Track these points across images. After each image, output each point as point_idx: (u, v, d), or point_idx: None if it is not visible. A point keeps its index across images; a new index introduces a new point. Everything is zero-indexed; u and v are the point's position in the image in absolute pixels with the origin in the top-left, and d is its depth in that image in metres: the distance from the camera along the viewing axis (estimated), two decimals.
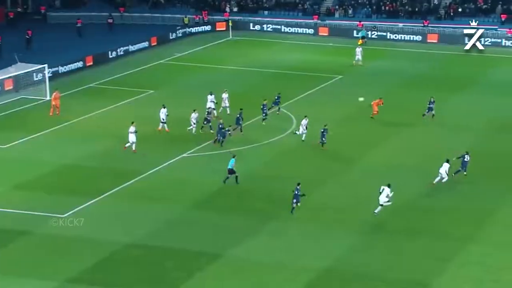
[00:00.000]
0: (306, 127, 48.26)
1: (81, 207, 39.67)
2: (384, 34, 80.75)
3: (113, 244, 35.71)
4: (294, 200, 38.16)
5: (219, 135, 47.96)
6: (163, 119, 50.27)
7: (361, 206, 39.52)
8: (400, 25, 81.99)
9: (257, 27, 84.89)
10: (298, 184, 38.28)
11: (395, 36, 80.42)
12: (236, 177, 42.23)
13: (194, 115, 49.95)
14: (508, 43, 76.93)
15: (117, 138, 49.56)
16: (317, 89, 61.52)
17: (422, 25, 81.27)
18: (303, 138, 48.53)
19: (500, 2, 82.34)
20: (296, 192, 38.08)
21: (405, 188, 41.90)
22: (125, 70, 67.67)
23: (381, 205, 38.33)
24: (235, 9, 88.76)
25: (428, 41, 78.93)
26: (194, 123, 49.92)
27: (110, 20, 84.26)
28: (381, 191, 38.42)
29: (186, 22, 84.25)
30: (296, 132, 49.03)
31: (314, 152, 47.64)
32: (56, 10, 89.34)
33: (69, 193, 41.47)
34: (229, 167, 42.21)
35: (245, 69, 68.86)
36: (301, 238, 36.65)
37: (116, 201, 40.79)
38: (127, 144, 46.87)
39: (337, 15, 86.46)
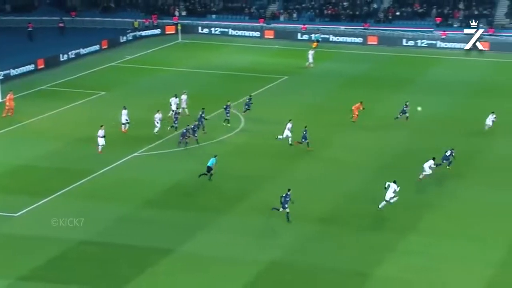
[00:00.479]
0: (290, 130, 47.03)
1: (34, 206, 38.68)
2: (327, 36, 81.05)
3: (66, 242, 34.85)
4: (283, 206, 36.65)
5: (182, 137, 47.01)
6: (127, 120, 49.39)
7: (308, 201, 39.35)
8: (342, 28, 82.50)
9: (206, 30, 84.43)
10: (289, 190, 37.02)
11: (337, 39, 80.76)
12: (211, 175, 41.64)
13: (158, 116, 49.17)
14: (442, 44, 77.95)
15: (69, 138, 48.61)
16: (264, 89, 61.29)
17: (363, 27, 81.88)
18: (290, 142, 47.22)
19: (435, 6, 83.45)
20: (285, 198, 36.69)
21: (349, 183, 41.95)
22: (76, 73, 66.48)
23: (387, 200, 37.91)
24: (184, 13, 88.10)
25: (369, 43, 79.48)
26: (158, 123, 48.97)
27: (61, 24, 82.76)
28: (386, 186, 37.86)
29: (136, 26, 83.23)
30: (279, 137, 47.30)
31: (262, 150, 47.34)
32: (6, 14, 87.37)
33: (21, 192, 40.39)
34: (209, 164, 41.54)
35: (194, 71, 68.27)
36: (249, 232, 36.29)
37: (68, 200, 39.85)
38: (99, 147, 45.81)
39: (282, 18, 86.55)
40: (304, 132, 46.43)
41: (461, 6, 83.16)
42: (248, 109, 53.42)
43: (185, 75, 66.51)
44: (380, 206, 38.17)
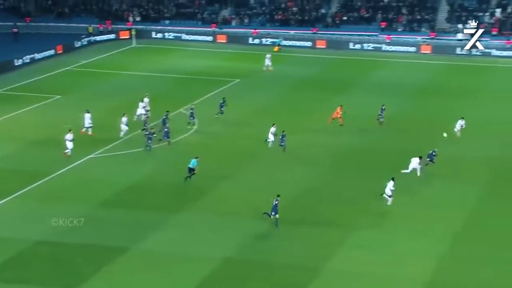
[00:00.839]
0: (274, 135, 46.73)
1: None
2: (277, 41, 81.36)
3: (22, 242, 34.24)
4: (273, 212, 36.16)
5: (149, 142, 46.41)
6: (90, 123, 48.82)
7: (259, 199, 39.41)
8: (292, 32, 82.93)
9: (159, 35, 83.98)
10: (278, 196, 36.60)
11: (288, 43, 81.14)
12: (192, 175, 41.22)
13: (124, 119, 48.61)
14: (387, 47, 78.98)
15: (26, 141, 47.81)
16: (216, 92, 61.18)
17: (312, 32, 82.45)
18: (269, 146, 46.92)
19: (380, 12, 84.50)
20: (275, 203, 36.25)
21: (299, 181, 42.16)
22: (31, 77, 65.41)
23: (387, 194, 38.66)
24: (138, 19, 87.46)
25: (317, 46, 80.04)
26: (124, 126, 48.39)
27: (15, 30, 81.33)
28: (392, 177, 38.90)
29: (90, 31, 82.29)
30: (269, 140, 46.93)
31: (216, 150, 47.24)
32: None
33: None
34: (190, 166, 41.20)
35: (149, 74, 67.80)
36: (204, 229, 36.17)
37: (24, 201, 39.15)
38: (67, 151, 45.00)
39: (233, 23, 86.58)
40: (282, 137, 46.21)
41: (404, 11, 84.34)
42: (222, 112, 53.12)
43: (140, 79, 66.02)
44: (388, 203, 38.56)
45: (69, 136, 45.10)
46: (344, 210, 38.42)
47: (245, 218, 37.22)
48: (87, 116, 49.05)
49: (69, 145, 45.00)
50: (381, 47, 79.03)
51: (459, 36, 78.76)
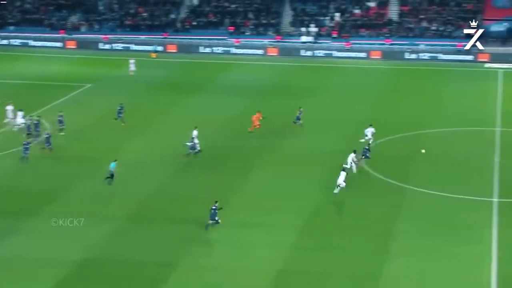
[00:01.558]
0: (194, 138, 46.26)
1: None
2: (128, 45, 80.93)
3: None
4: (211, 219, 35.63)
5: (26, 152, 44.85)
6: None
7: (113, 200, 39.17)
8: (142, 37, 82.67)
9: (4, 41, 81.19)
10: (216, 202, 36.05)
11: (138, 47, 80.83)
12: (110, 178, 40.77)
13: None
14: (236, 51, 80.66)
15: None
16: (67, 97, 59.89)
17: (162, 37, 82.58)
18: (196, 149, 46.39)
19: (228, 16, 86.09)
20: (214, 210, 35.77)
21: (152, 180, 42.27)
22: None
23: (338, 185, 39.94)
24: None
25: (168, 50, 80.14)
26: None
27: None
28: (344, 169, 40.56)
29: None
30: (191, 144, 46.29)
31: (66, 154, 46.32)
32: None
33: None
34: (110, 169, 40.78)
35: None
36: (60, 233, 35.53)
37: None
38: None
39: (83, 29, 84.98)
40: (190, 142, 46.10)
41: (251, 16, 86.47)
42: (120, 117, 52.26)
43: None
44: (335, 192, 39.68)
45: None
46: (195, 207, 38.62)
47: (102, 218, 36.80)
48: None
49: None
50: (230, 50, 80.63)
51: (303, 38, 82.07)
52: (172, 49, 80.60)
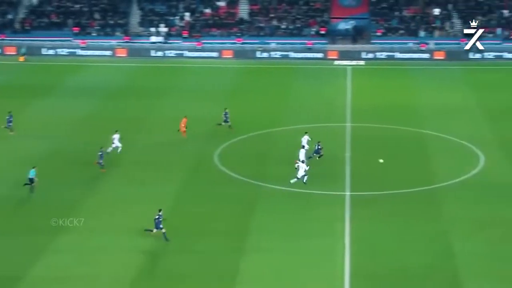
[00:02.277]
0: (116, 141, 46.14)
1: None
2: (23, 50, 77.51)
3: None
4: (157, 228, 34.87)
5: None
6: None
7: None
8: None
9: None
10: (160, 210, 35.09)
11: None
12: (29, 184, 40.10)
13: None
14: (82, 52, 78.84)
15: None
16: None
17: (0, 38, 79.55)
18: (118, 151, 46.16)
19: (72, 17, 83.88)
20: (158, 219, 34.81)
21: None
22: None
23: (298, 178, 41.43)
24: None
25: (6, 53, 77.61)
26: None
27: None
28: (296, 167, 41.83)
29: None
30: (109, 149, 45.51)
31: None
32: None
33: None
34: (30, 176, 40.10)
35: None
36: None
37: None
38: None
39: None
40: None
41: (97, 16, 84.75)
42: (10, 125, 50.56)
43: None
44: (292, 181, 41.45)
45: None
46: (45, 214, 37.55)
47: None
48: None
49: None
50: (76, 52, 78.71)
51: (153, 39, 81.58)
52: (10, 51, 77.57)
